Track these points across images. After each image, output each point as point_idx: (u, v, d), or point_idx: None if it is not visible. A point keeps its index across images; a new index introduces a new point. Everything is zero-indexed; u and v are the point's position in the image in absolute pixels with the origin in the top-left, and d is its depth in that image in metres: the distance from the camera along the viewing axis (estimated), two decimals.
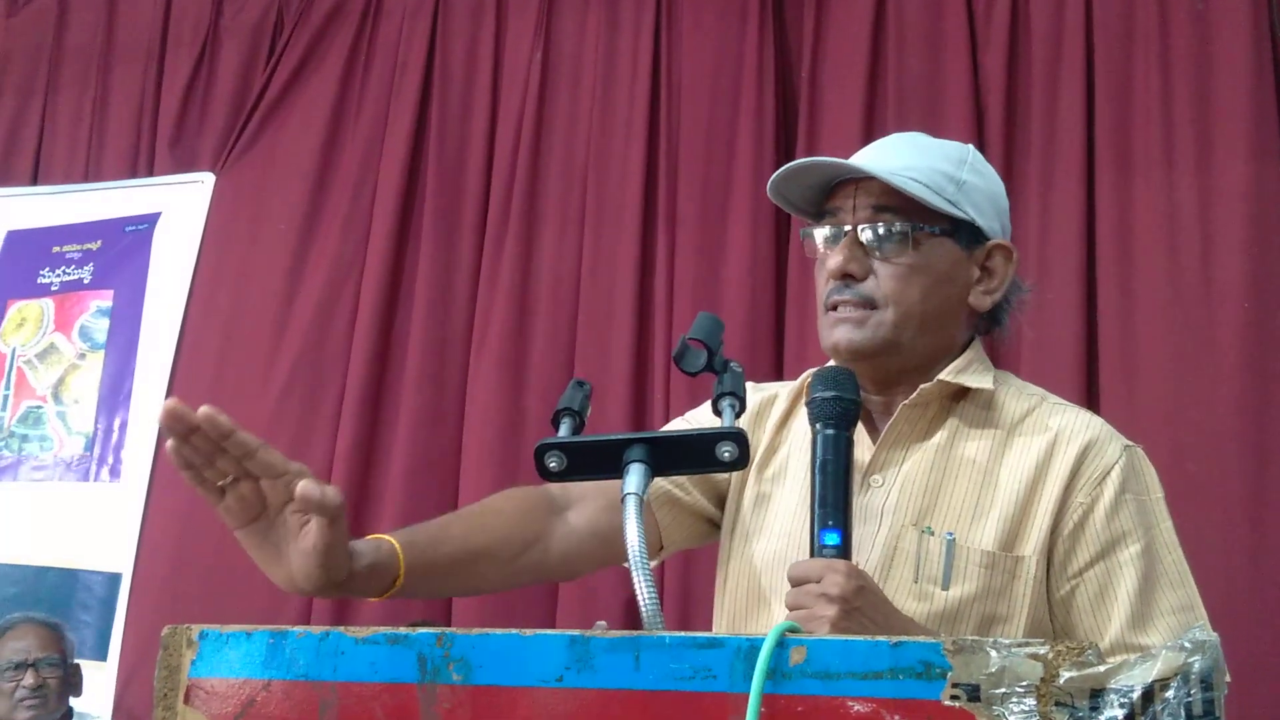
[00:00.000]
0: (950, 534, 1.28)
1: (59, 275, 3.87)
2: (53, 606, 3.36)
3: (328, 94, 3.73)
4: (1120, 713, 0.74)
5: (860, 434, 1.36)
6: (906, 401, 1.35)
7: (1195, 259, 2.86)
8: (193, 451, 1.08)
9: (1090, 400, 2.87)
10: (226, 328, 3.64)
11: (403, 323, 3.51)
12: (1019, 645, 0.78)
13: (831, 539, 1.18)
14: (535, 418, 3.25)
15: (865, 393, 1.37)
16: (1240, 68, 2.92)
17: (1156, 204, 2.92)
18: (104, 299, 3.81)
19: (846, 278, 1.34)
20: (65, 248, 3.90)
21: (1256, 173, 2.86)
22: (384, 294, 3.51)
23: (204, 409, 1.06)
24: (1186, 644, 0.74)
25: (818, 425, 1.24)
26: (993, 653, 0.78)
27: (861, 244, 1.34)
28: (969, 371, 1.37)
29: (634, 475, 1.07)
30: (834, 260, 1.35)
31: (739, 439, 1.08)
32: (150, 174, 3.88)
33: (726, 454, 1.08)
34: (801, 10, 3.37)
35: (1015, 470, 1.31)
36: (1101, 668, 0.76)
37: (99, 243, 3.87)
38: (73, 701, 3.04)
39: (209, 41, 3.90)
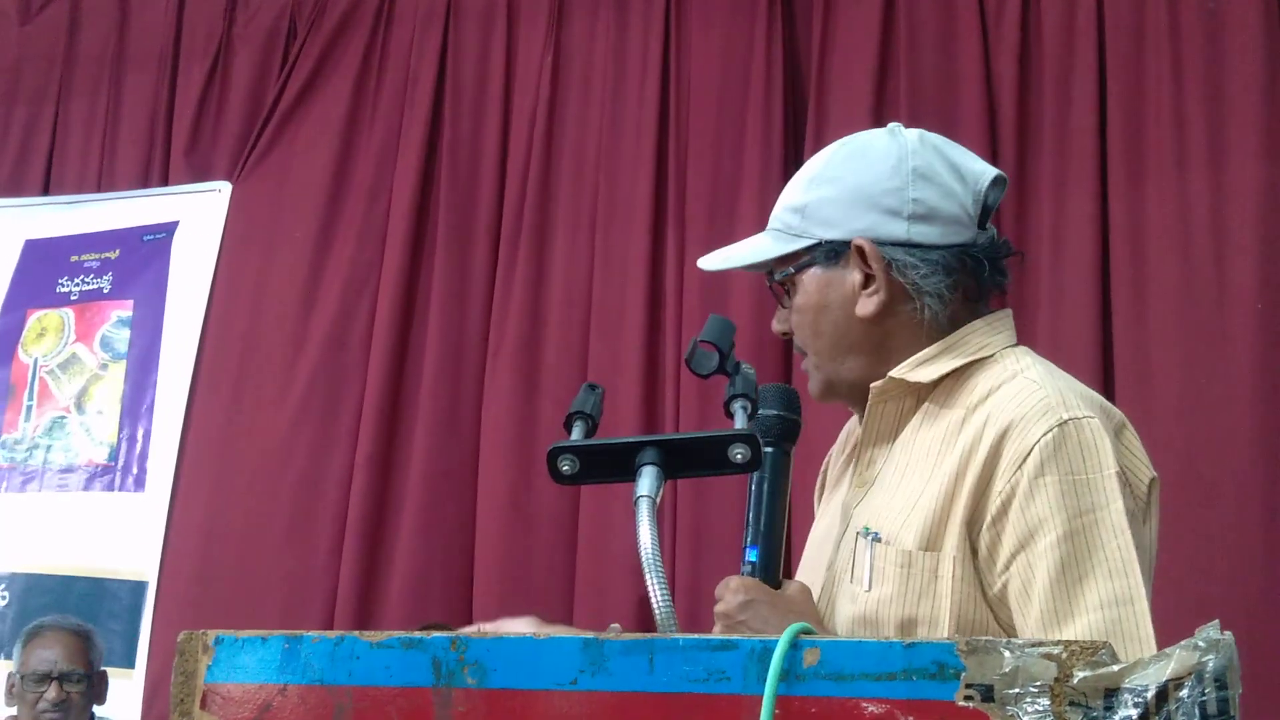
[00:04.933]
0: (877, 534, 1.26)
1: (78, 285, 3.90)
2: (80, 615, 3.36)
3: (341, 102, 3.75)
4: (1134, 712, 0.74)
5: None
6: (870, 402, 1.35)
7: (1208, 259, 2.84)
8: None
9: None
10: (246, 337, 3.66)
11: (419, 330, 3.52)
12: (1033, 645, 0.78)
13: (751, 555, 1.22)
14: (549, 422, 3.26)
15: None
16: (1252, 67, 2.90)
17: (1169, 204, 2.90)
18: (124, 309, 3.84)
19: (783, 334, 1.43)
20: (83, 257, 3.92)
21: (1269, 173, 2.84)
22: (401, 301, 3.52)
23: None
24: (1200, 642, 0.74)
25: None
26: (1006, 653, 0.78)
27: (780, 303, 1.42)
28: (931, 361, 1.32)
29: (647, 478, 1.07)
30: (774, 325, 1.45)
31: (751, 441, 1.08)
32: (164, 183, 3.90)
33: (739, 456, 1.08)
34: (810, 10, 3.36)
35: (950, 463, 1.25)
36: (1116, 667, 0.76)
37: (117, 251, 3.89)
38: (96, 709, 3.04)
39: (222, 50, 3.92)
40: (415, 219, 3.57)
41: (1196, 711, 0.73)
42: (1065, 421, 1.21)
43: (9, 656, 3.16)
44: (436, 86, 3.66)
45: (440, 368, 3.45)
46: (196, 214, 3.82)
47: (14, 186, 4.04)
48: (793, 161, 3.29)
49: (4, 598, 3.65)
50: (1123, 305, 2.90)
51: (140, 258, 3.86)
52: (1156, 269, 2.89)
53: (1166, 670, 0.74)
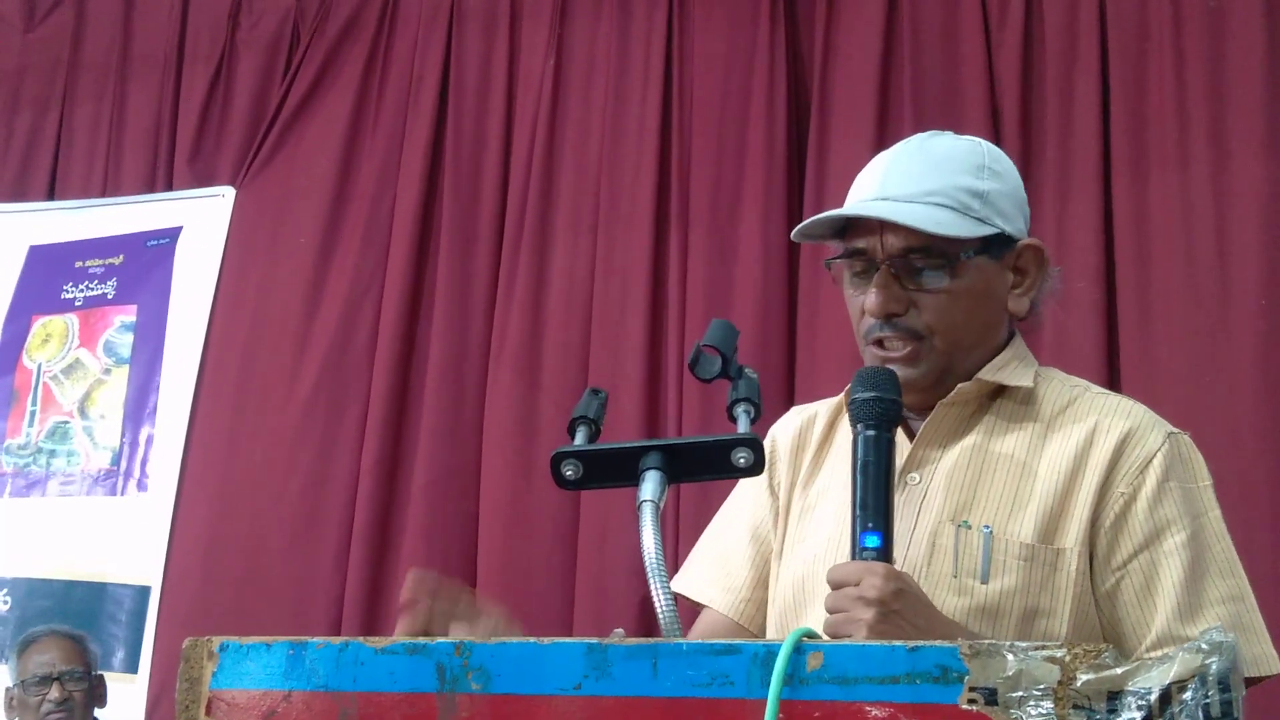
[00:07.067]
0: (988, 527, 1.28)
1: (82, 290, 3.91)
2: (82, 620, 3.38)
3: (345, 107, 3.75)
4: (1138, 715, 0.74)
5: (898, 433, 1.36)
6: (944, 400, 1.35)
7: (1212, 257, 2.84)
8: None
9: None
10: (250, 342, 3.66)
11: (423, 334, 3.52)
12: (1036, 648, 0.78)
13: (872, 541, 1.18)
14: (550, 425, 3.25)
15: (907, 398, 1.36)
16: (1255, 65, 2.90)
17: (1173, 202, 2.90)
18: (128, 314, 3.84)
19: (888, 316, 1.33)
20: (88, 262, 3.93)
21: (1272, 170, 2.84)
22: (405, 306, 3.52)
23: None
24: (1204, 645, 0.74)
25: (859, 426, 1.24)
26: (1010, 656, 0.78)
27: (897, 279, 1.33)
28: (1008, 369, 1.37)
29: (650, 482, 1.07)
30: (872, 301, 1.33)
31: (754, 445, 1.08)
32: (168, 188, 3.90)
33: (742, 460, 1.08)
34: (813, 12, 3.37)
35: (1054, 462, 1.31)
36: (1119, 670, 0.76)
37: (121, 257, 3.90)
38: (97, 712, 3.06)
39: (225, 55, 3.92)
40: (419, 223, 3.57)
41: (1200, 714, 0.73)
42: (1172, 434, 1.32)
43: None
44: (440, 91, 3.66)
45: (443, 372, 3.45)
46: (200, 219, 3.83)
47: (19, 193, 4.04)
48: (796, 165, 3.28)
49: (6, 602, 3.65)
50: (1127, 303, 2.90)
51: (144, 263, 3.87)
52: (1160, 266, 2.89)
53: (1170, 673, 0.74)
